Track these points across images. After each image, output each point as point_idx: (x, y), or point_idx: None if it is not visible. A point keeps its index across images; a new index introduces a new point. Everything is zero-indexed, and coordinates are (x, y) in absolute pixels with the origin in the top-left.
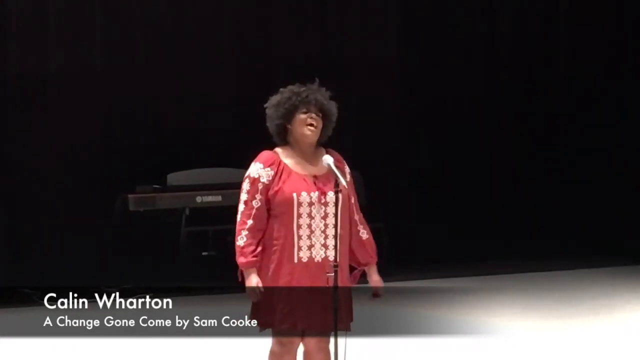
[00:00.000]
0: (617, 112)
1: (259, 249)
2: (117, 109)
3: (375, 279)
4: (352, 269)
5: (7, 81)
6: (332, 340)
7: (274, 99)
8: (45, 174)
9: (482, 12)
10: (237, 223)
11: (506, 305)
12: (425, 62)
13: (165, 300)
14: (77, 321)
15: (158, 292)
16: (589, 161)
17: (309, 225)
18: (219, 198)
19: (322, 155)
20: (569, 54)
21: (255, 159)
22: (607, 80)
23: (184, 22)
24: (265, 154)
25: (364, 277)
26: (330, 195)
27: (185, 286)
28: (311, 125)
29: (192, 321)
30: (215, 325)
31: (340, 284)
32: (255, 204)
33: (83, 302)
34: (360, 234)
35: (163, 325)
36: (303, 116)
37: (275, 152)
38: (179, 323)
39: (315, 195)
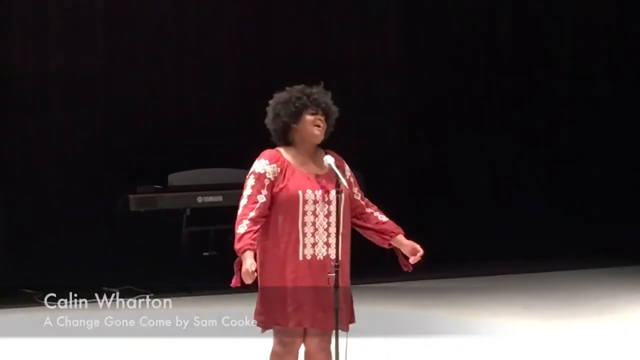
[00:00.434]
0: (618, 113)
1: (256, 236)
2: (118, 109)
3: (407, 242)
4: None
5: (8, 81)
6: (333, 340)
7: (281, 97)
8: (45, 174)
9: (483, 12)
10: (238, 215)
11: (507, 305)
12: (425, 62)
13: (165, 300)
14: (77, 321)
15: (158, 292)
16: (590, 161)
17: (313, 223)
18: (220, 198)
19: (322, 155)
20: (570, 54)
21: (260, 156)
22: (608, 80)
23: (184, 22)
24: (269, 152)
25: (363, 276)
26: (333, 193)
27: (185, 286)
28: (318, 126)
29: (192, 321)
30: (215, 325)
31: (341, 284)
32: (260, 198)
33: (83, 302)
34: (379, 218)
35: (163, 325)
36: (311, 117)
37: (277, 150)
38: (179, 323)
39: (319, 193)
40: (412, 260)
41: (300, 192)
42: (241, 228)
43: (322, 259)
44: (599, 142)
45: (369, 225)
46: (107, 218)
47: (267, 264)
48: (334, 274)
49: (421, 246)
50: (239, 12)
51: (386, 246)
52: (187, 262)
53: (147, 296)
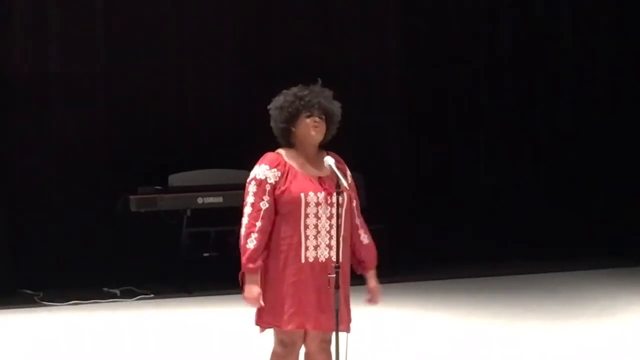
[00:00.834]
0: (617, 113)
1: (265, 252)
2: (119, 109)
3: (372, 285)
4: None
5: (9, 81)
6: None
7: (278, 101)
8: (46, 174)
9: (484, 12)
10: (245, 225)
11: (507, 306)
12: (426, 62)
13: (165, 301)
14: (77, 320)
15: (158, 293)
16: (591, 162)
17: (316, 226)
18: (220, 199)
19: (324, 157)
20: (571, 55)
21: (260, 161)
22: (607, 80)
23: (185, 23)
24: (269, 156)
25: (363, 277)
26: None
27: (185, 287)
28: (315, 127)
29: (192, 321)
30: (215, 325)
31: (341, 285)
32: (263, 205)
33: (83, 302)
34: (361, 238)
35: (163, 325)
36: (307, 120)
37: (278, 154)
38: (180, 323)
39: (322, 195)
40: (367, 300)
41: (302, 194)
42: (250, 243)
43: (324, 261)
44: (599, 142)
45: (350, 244)
46: (108, 219)
47: (269, 265)
48: (334, 275)
49: (422, 247)
50: (239, 12)
51: (357, 270)
52: (188, 263)
53: (148, 296)
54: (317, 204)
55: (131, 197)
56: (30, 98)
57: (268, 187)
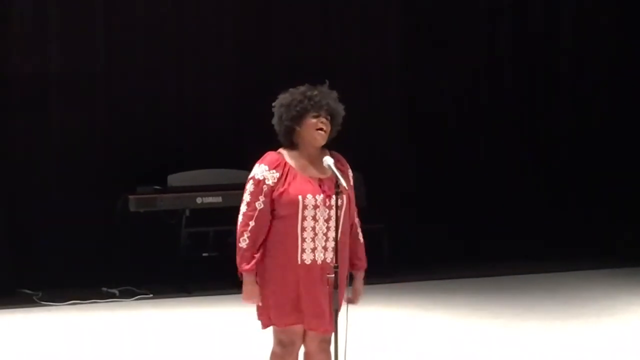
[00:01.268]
0: (617, 113)
1: (259, 252)
2: (118, 109)
3: (357, 286)
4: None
5: (8, 81)
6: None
7: (284, 99)
8: (45, 174)
9: (484, 12)
10: (239, 224)
11: (507, 306)
12: (426, 62)
13: (164, 300)
14: (76, 320)
15: (158, 292)
16: (590, 162)
17: (313, 228)
18: (220, 199)
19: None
20: (571, 55)
21: (260, 161)
22: (607, 80)
23: (185, 23)
24: (270, 156)
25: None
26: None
27: (184, 287)
28: (321, 129)
29: (191, 321)
30: (214, 325)
31: (340, 286)
32: (259, 205)
33: (82, 302)
34: (358, 237)
35: (162, 325)
36: (313, 120)
37: (279, 154)
38: (179, 323)
39: (320, 198)
40: (346, 300)
41: (300, 197)
42: (243, 242)
43: (320, 263)
44: (599, 142)
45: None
46: (107, 218)
47: (267, 266)
48: (333, 275)
49: (422, 246)
50: (239, 12)
51: (350, 268)
52: (187, 263)
53: (147, 296)
54: (315, 207)
55: (130, 197)
56: (30, 98)
57: (265, 188)
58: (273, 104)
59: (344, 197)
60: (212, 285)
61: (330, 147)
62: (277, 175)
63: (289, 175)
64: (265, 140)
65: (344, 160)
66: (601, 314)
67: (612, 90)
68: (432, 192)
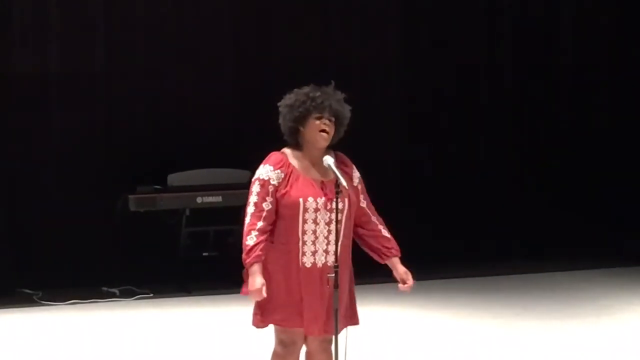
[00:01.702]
0: (618, 113)
1: (265, 249)
2: (118, 109)
3: (400, 270)
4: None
5: (8, 81)
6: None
7: (289, 99)
8: (45, 174)
9: (484, 12)
10: (247, 224)
11: (507, 306)
12: (426, 62)
13: (164, 300)
14: (76, 320)
15: (158, 292)
16: (590, 162)
17: (314, 231)
18: (220, 199)
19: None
20: (572, 55)
21: (265, 161)
22: (607, 80)
23: (184, 23)
24: (274, 156)
25: (363, 276)
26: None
27: (185, 286)
28: (324, 131)
29: (191, 321)
30: (214, 324)
31: (341, 288)
32: (266, 206)
33: (82, 302)
34: (382, 232)
35: (162, 324)
36: (317, 122)
37: (283, 154)
38: (179, 323)
39: (321, 201)
40: (401, 288)
41: (301, 199)
42: (250, 240)
43: (321, 266)
44: (599, 142)
45: (370, 237)
46: (107, 218)
47: (268, 267)
48: (333, 275)
49: (422, 246)
50: (239, 12)
51: (382, 262)
52: (187, 263)
53: (147, 296)
54: (316, 210)
55: (130, 196)
56: (30, 98)
57: (271, 189)
58: (278, 104)
59: (346, 200)
60: (212, 285)
61: (334, 147)
62: (282, 175)
63: (291, 177)
64: (266, 140)
65: (348, 161)
66: (600, 313)
67: (613, 90)
68: (432, 192)
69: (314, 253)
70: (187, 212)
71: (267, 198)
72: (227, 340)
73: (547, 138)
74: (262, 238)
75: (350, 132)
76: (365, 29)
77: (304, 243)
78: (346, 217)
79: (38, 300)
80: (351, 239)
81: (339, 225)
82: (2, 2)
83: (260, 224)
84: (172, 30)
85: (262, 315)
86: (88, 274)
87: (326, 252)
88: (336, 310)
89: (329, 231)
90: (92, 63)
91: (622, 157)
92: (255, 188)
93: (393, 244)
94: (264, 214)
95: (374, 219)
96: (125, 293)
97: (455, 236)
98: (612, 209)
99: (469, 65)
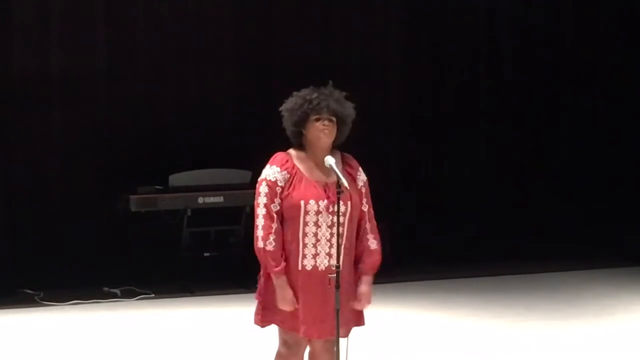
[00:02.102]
0: (618, 112)
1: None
2: (119, 109)
3: (361, 290)
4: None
5: (9, 81)
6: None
7: (289, 103)
8: (46, 174)
9: (484, 12)
10: (262, 227)
11: (508, 306)
12: (426, 62)
13: (166, 300)
14: (78, 320)
15: (159, 292)
16: (590, 162)
17: (315, 234)
18: (221, 199)
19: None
20: (572, 55)
21: (271, 162)
22: (607, 80)
23: (185, 23)
24: (279, 157)
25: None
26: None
27: (186, 286)
28: (324, 131)
29: (193, 321)
30: (216, 324)
31: (343, 292)
32: (274, 207)
33: (84, 302)
34: (369, 242)
35: (164, 324)
36: (316, 123)
37: (288, 154)
38: (180, 323)
39: (323, 203)
40: (354, 305)
41: (302, 202)
42: (269, 245)
43: (323, 269)
44: (600, 141)
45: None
46: (108, 218)
47: None
48: (334, 275)
49: (422, 246)
50: (239, 12)
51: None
52: (188, 263)
53: (148, 296)
54: (318, 212)
55: (131, 196)
56: (30, 98)
57: (278, 190)
58: (280, 109)
59: (349, 203)
60: (213, 285)
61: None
62: (288, 176)
63: (295, 178)
64: (266, 140)
65: (355, 163)
66: (602, 313)
67: (613, 90)
68: (432, 191)
69: (315, 256)
70: (189, 213)
71: (275, 200)
72: (230, 340)
73: (547, 138)
74: (279, 243)
75: (350, 132)
76: (365, 29)
77: (305, 245)
78: (348, 219)
79: (39, 301)
80: (354, 241)
81: (340, 227)
82: (3, 2)
83: (274, 225)
84: (173, 30)
85: (263, 315)
86: (89, 274)
87: (329, 255)
88: (337, 311)
89: (332, 234)
90: (93, 63)
91: (623, 156)
92: (263, 189)
93: (372, 259)
94: (275, 215)
95: (368, 226)
96: (127, 293)
97: (456, 236)
98: (613, 208)
99: (469, 65)
